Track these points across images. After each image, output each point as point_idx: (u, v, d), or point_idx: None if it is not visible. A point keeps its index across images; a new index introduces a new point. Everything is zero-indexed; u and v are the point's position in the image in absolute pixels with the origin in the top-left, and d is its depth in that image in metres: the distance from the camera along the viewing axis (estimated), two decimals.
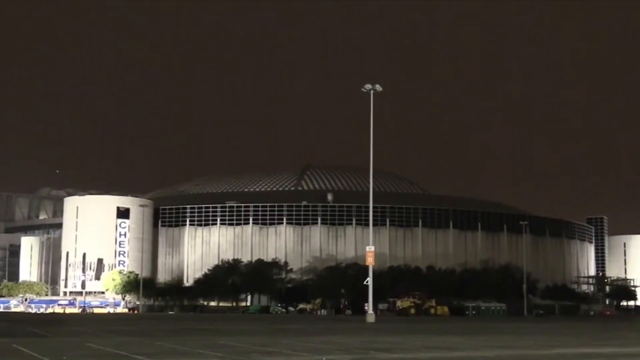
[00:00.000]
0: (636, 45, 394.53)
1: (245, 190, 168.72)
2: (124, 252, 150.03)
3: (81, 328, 47.96)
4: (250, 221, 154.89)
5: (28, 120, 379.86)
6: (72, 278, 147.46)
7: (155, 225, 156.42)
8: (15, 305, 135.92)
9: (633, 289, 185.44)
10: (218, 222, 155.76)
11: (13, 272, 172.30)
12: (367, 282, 73.93)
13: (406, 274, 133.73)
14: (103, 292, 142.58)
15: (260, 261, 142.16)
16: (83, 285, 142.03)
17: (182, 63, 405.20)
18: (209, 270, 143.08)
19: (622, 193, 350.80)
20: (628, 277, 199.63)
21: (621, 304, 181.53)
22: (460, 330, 49.48)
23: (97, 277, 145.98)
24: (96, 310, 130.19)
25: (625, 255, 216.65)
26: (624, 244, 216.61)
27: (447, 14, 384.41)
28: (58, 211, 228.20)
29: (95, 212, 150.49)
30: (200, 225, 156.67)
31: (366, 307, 79.02)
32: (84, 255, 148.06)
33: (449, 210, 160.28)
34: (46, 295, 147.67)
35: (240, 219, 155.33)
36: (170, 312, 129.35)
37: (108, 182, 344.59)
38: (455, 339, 38.01)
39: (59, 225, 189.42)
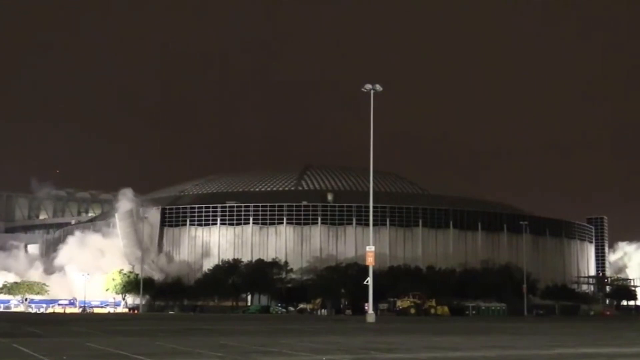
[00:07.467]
0: (636, 44, 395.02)
1: (245, 190, 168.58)
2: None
3: (81, 328, 47.93)
4: (251, 221, 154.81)
5: (28, 120, 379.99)
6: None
7: None
8: (15, 305, 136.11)
9: (633, 289, 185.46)
10: (218, 222, 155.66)
11: None
12: (367, 282, 73.88)
13: (406, 274, 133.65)
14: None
15: (260, 261, 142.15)
16: None
17: (182, 63, 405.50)
18: (209, 270, 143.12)
19: (622, 193, 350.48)
20: (628, 277, 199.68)
21: (621, 304, 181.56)
22: (461, 330, 49.46)
23: None
24: (96, 310, 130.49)
25: (625, 255, 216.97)
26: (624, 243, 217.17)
27: (447, 13, 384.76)
28: (58, 211, 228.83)
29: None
30: (201, 225, 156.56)
31: (366, 307, 78.99)
32: None
33: (449, 210, 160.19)
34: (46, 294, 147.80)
35: (240, 219, 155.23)
36: (170, 312, 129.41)
37: (108, 182, 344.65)
38: (455, 339, 37.99)
39: (59, 225, 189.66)
